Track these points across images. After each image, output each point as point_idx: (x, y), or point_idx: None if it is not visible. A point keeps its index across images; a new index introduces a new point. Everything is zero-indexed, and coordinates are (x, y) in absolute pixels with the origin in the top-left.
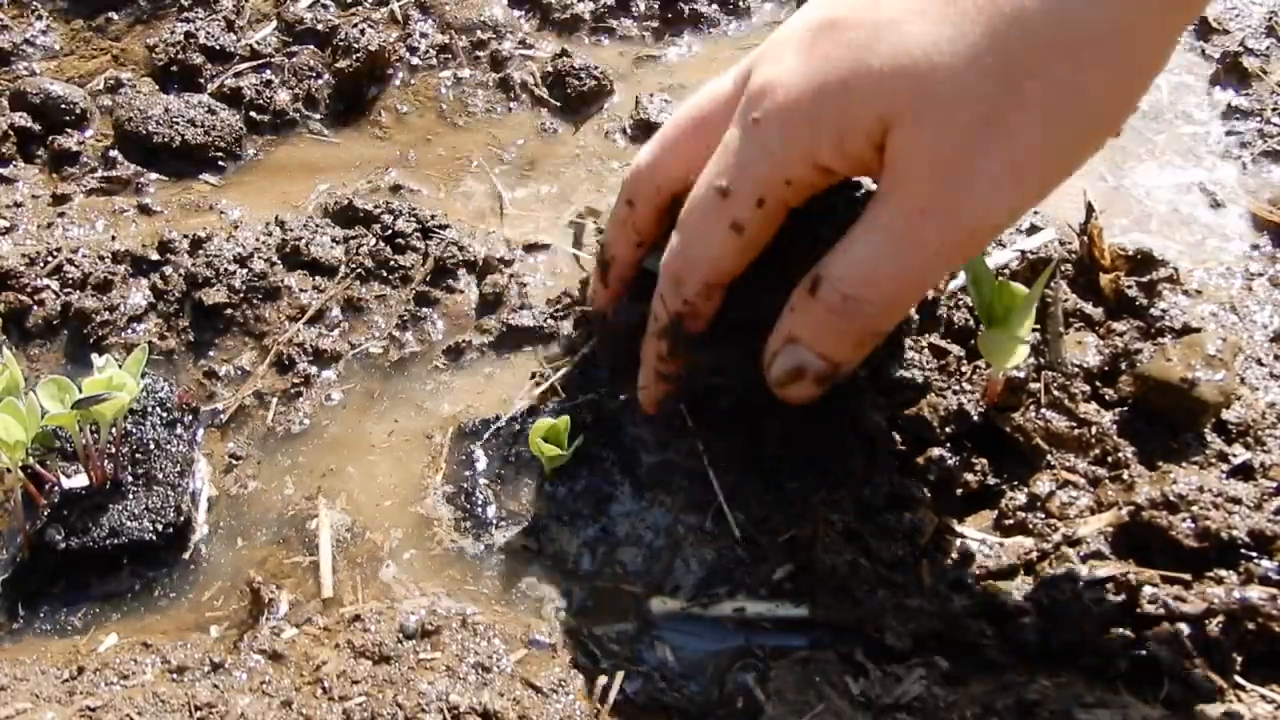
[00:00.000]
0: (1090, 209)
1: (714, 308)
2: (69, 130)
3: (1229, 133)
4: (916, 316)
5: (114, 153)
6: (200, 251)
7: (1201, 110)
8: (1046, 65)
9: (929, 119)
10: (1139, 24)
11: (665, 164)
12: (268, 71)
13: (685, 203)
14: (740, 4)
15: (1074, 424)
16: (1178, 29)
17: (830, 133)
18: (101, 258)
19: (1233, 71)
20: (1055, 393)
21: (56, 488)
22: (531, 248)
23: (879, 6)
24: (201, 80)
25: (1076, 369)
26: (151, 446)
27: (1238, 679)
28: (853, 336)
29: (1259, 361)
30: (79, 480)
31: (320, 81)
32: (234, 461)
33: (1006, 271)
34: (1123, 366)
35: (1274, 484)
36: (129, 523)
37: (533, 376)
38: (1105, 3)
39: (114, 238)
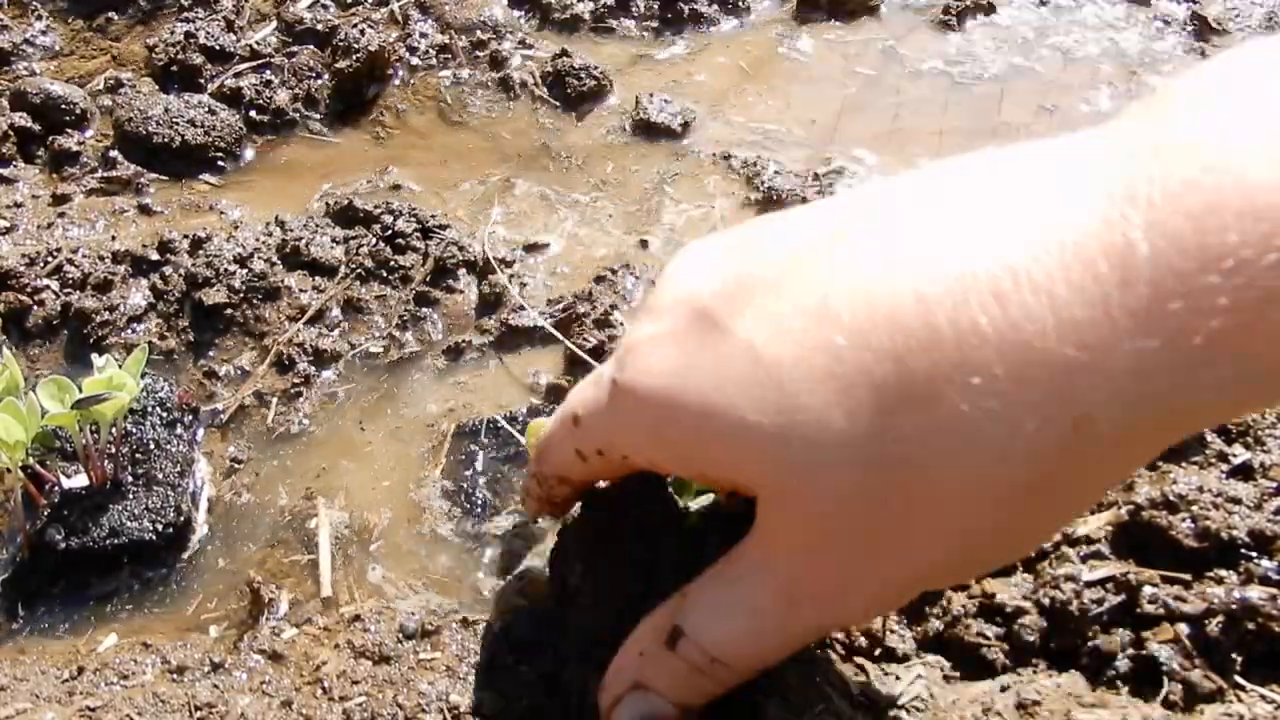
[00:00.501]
0: None
1: (566, 497)
2: (69, 130)
3: None
4: None
5: (114, 153)
6: (200, 251)
7: None
8: (930, 510)
9: (794, 511)
10: (1045, 484)
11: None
12: (268, 71)
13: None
14: (740, 3)
15: None
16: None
17: (671, 455)
18: (101, 258)
19: None
20: None
21: (56, 488)
22: (531, 248)
23: (749, 324)
24: (201, 80)
25: None
26: (151, 446)
27: (1238, 679)
28: (713, 690)
29: None
30: (79, 480)
31: (320, 81)
32: (234, 462)
33: None
34: None
35: (1274, 484)
36: (129, 523)
37: None
38: (1006, 457)
39: (114, 238)
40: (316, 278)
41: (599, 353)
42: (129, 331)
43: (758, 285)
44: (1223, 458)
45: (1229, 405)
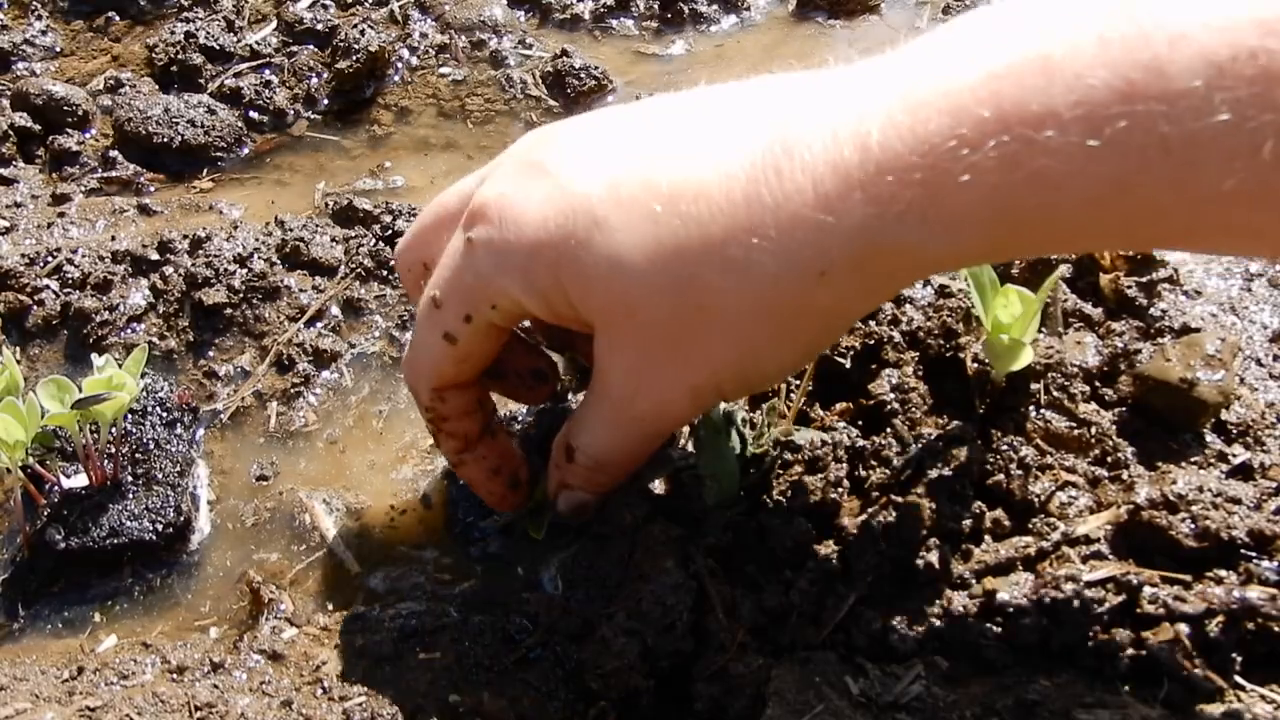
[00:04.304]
0: None
1: (459, 411)
2: (69, 130)
3: None
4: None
5: (114, 153)
6: (200, 251)
7: None
8: (723, 324)
9: (624, 337)
10: (807, 312)
11: (410, 258)
12: (268, 71)
13: None
14: (740, 2)
15: (1074, 424)
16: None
17: (535, 292)
18: (101, 258)
19: None
20: (1055, 393)
21: (56, 488)
22: None
23: (597, 191)
24: (201, 80)
25: (1075, 369)
26: (151, 446)
27: (1238, 679)
28: (610, 481)
29: (1258, 361)
30: (79, 480)
31: (320, 81)
32: (234, 462)
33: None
34: (1122, 366)
35: (1274, 484)
36: (129, 523)
37: None
38: (779, 288)
39: (114, 238)
40: (316, 278)
41: None
42: (129, 331)
43: (586, 159)
44: (1223, 458)
45: (928, 259)
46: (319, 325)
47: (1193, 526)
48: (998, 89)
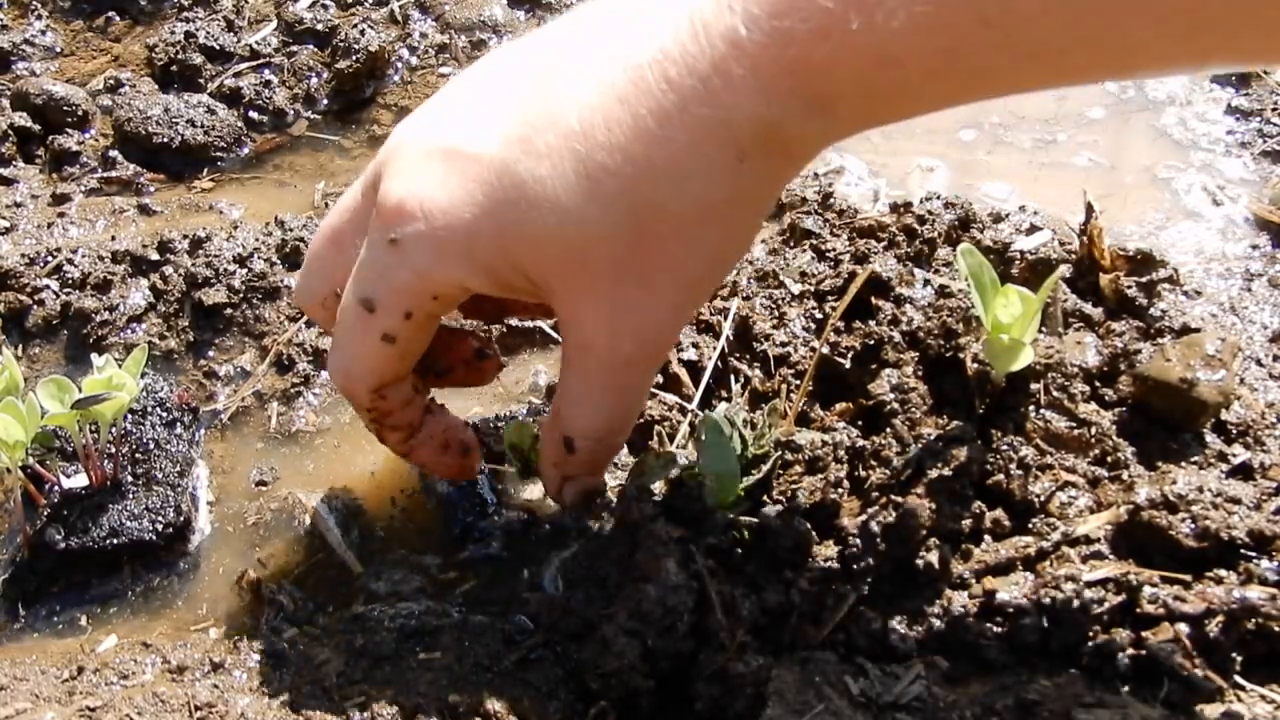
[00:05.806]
0: (1090, 209)
1: (401, 403)
2: (69, 130)
3: (1229, 132)
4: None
5: (114, 153)
6: (200, 251)
7: (1202, 110)
8: (676, 233)
9: (589, 285)
10: (740, 197)
11: (317, 291)
12: (267, 71)
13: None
14: None
15: (1074, 424)
16: (773, 197)
17: (482, 270)
18: (101, 258)
19: (1233, 72)
20: (1055, 393)
21: (56, 488)
22: None
23: (513, 153)
24: (201, 80)
25: (1075, 369)
26: (151, 446)
27: (1238, 679)
28: (614, 453)
29: (1258, 362)
30: (79, 480)
31: (320, 81)
32: (234, 462)
33: (1014, 273)
34: (1122, 367)
35: (1273, 484)
36: (129, 523)
37: None
38: (710, 182)
39: (114, 238)
40: None
41: None
42: (129, 331)
43: (488, 126)
44: (1222, 458)
45: (816, 135)
46: (319, 325)
47: (1193, 526)
48: None
